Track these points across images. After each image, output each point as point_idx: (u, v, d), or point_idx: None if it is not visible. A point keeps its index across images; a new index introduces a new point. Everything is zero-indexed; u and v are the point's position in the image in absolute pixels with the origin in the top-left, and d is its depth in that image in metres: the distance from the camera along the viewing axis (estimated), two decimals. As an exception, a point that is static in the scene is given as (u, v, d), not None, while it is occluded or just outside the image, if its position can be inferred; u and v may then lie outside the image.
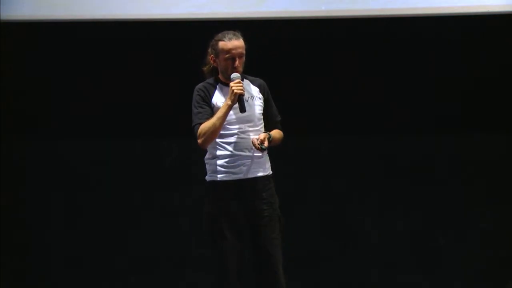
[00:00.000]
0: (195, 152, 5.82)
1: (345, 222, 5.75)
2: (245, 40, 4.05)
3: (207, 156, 4.08)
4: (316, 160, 5.80)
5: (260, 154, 3.99)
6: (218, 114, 3.95)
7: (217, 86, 4.08)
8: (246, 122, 4.00)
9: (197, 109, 4.05)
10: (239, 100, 3.93)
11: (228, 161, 3.99)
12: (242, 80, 4.02)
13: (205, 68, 4.17)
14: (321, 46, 5.67)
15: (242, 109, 3.93)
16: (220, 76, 4.09)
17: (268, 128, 4.09)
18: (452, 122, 5.75)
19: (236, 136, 3.99)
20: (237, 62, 4.00)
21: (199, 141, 4.00)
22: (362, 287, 5.78)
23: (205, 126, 3.96)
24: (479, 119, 5.74)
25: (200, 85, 4.12)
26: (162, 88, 5.79)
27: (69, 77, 5.80)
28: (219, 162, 4.00)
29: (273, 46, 5.54)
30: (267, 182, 4.05)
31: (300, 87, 5.72)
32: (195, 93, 4.10)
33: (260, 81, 4.18)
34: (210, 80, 4.13)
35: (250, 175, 3.99)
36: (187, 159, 5.85)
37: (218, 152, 4.01)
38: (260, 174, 4.02)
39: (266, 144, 3.93)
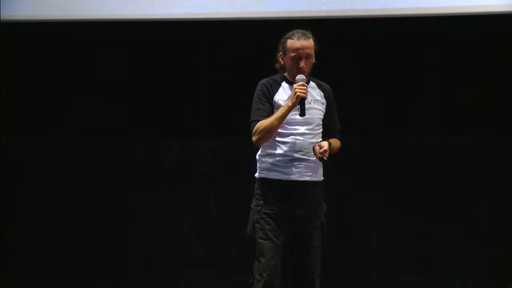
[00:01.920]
0: (195, 152, 5.88)
1: (345, 222, 5.74)
2: (316, 42, 4.00)
3: (259, 153, 4.01)
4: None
5: (314, 158, 3.90)
6: (277, 114, 3.87)
7: (282, 84, 4.00)
8: (305, 124, 3.93)
9: (257, 105, 3.96)
10: (300, 102, 3.84)
11: (280, 160, 3.92)
12: (308, 82, 3.97)
13: (277, 65, 4.08)
14: (321, 46, 5.65)
15: (302, 112, 3.86)
16: (286, 74, 4.02)
17: (326, 135, 4.03)
18: (452, 122, 5.75)
19: (292, 136, 3.92)
20: (302, 63, 3.92)
21: (254, 138, 3.91)
22: (362, 287, 5.78)
23: (262, 124, 3.88)
24: (479, 119, 5.73)
25: (264, 80, 4.04)
26: (162, 88, 5.80)
27: (69, 77, 5.80)
28: (272, 160, 3.94)
29: (272, 47, 5.53)
30: (316, 188, 3.98)
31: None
32: (258, 87, 4.01)
33: (327, 86, 4.11)
34: (276, 76, 4.05)
35: (301, 178, 3.92)
36: (188, 159, 5.85)
37: (272, 151, 3.94)
38: (310, 178, 3.95)
39: (327, 155, 3.86)
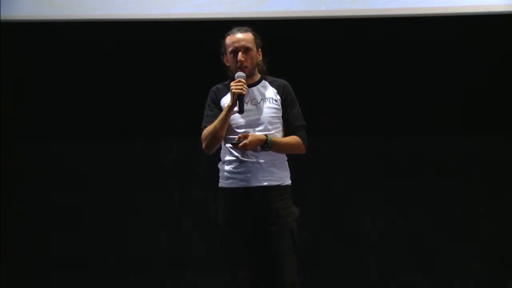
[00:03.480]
0: (195, 152, 5.87)
1: (345, 222, 5.75)
2: (256, 36, 3.91)
3: (220, 161, 3.93)
4: (316, 160, 5.80)
5: (275, 162, 3.79)
6: (220, 116, 3.77)
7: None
8: (256, 126, 3.81)
9: (206, 111, 3.91)
10: (238, 100, 3.73)
11: (235, 166, 3.80)
12: (260, 81, 3.90)
13: (227, 71, 3.97)
14: (321, 46, 5.66)
15: (240, 110, 3.74)
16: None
17: (286, 133, 3.88)
18: (452, 122, 5.75)
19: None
20: (239, 56, 3.82)
21: (202, 145, 3.85)
22: (362, 287, 5.78)
23: (207, 130, 3.81)
24: (479, 119, 5.74)
25: (214, 87, 3.98)
26: (162, 88, 5.80)
27: (69, 77, 5.81)
28: (227, 167, 3.83)
29: (272, 46, 5.53)
30: (278, 193, 3.80)
31: (299, 87, 5.70)
32: (208, 95, 3.96)
33: (281, 81, 3.96)
34: (227, 81, 3.95)
35: (257, 183, 3.77)
36: (187, 159, 5.85)
37: (226, 157, 3.86)
38: (269, 183, 3.79)
39: (246, 143, 3.67)
